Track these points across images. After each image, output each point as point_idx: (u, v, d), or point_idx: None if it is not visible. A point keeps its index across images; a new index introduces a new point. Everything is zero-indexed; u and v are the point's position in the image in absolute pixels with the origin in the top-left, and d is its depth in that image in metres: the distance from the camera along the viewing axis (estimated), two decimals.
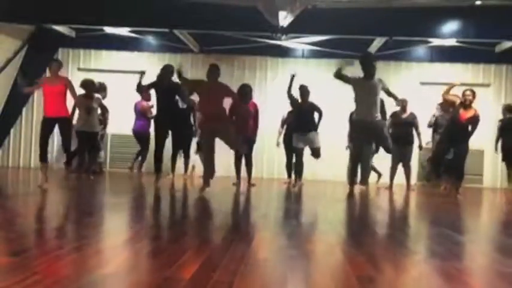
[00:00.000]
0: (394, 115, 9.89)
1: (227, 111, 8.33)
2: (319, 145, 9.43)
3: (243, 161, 9.59)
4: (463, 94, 8.79)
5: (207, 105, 7.68)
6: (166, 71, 8.79)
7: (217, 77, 7.87)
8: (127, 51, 12.60)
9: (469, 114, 8.72)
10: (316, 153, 9.48)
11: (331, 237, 4.90)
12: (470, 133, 8.85)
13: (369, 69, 7.70)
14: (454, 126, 8.74)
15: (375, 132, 7.77)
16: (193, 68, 12.49)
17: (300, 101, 9.56)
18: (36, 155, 12.23)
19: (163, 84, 8.72)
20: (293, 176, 10.05)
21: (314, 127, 9.43)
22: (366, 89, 7.65)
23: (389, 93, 7.97)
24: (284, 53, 12.45)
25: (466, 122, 8.76)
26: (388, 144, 7.84)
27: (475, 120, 8.75)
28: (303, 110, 9.44)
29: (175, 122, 8.80)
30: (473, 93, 8.77)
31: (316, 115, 9.56)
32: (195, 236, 4.57)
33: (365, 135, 7.88)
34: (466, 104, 8.70)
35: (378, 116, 7.77)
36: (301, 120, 9.40)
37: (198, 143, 10.05)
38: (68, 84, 7.74)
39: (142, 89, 8.93)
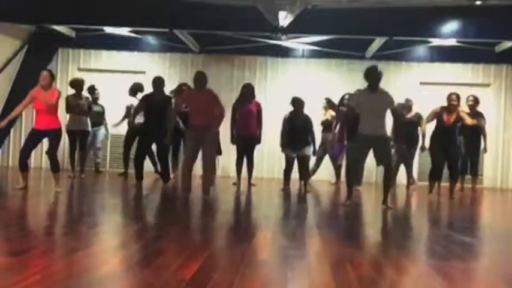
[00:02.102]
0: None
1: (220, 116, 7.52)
2: (309, 154, 9.09)
3: (244, 160, 9.58)
4: (448, 97, 8.82)
5: (195, 116, 7.32)
6: (158, 83, 8.66)
7: (205, 85, 7.42)
8: (127, 51, 12.57)
9: (453, 117, 8.75)
10: (304, 161, 9.05)
11: (331, 237, 4.90)
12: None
13: (372, 81, 7.07)
14: (442, 133, 8.72)
15: (377, 147, 7.07)
16: (193, 68, 12.45)
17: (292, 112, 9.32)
18: (36, 154, 12.26)
19: (156, 97, 8.60)
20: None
21: (307, 143, 9.00)
22: (368, 102, 7.02)
23: (395, 116, 7.36)
24: (284, 53, 12.43)
25: (452, 125, 8.76)
26: (389, 162, 7.17)
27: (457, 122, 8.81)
28: (296, 124, 8.97)
29: (163, 133, 8.32)
30: (458, 97, 8.85)
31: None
32: (195, 236, 4.57)
33: (366, 151, 7.21)
34: (449, 109, 8.75)
35: (384, 131, 7.08)
36: (294, 135, 8.92)
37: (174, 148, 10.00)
38: (59, 97, 7.38)
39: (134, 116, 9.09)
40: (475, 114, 9.92)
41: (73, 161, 9.77)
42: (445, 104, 8.89)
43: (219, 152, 10.14)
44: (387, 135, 7.16)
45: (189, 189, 7.37)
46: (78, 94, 9.71)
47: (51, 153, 7.44)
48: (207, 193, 7.26)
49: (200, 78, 7.44)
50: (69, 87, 10.47)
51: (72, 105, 9.69)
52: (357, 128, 7.09)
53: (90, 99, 10.09)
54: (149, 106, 8.61)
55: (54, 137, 7.38)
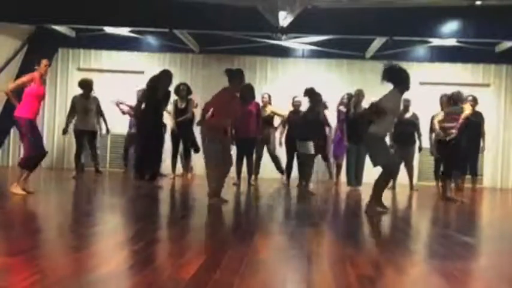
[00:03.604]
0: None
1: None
2: (312, 152, 8.86)
3: (244, 161, 9.58)
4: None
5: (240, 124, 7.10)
6: (165, 77, 8.44)
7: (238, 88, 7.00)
8: (127, 51, 12.57)
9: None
10: (310, 160, 8.85)
11: (331, 237, 4.91)
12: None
13: (407, 85, 6.71)
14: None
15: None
16: (194, 68, 12.48)
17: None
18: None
19: (158, 92, 8.36)
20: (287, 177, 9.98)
21: (317, 139, 8.80)
22: (398, 107, 6.95)
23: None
24: (284, 53, 12.43)
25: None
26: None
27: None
28: (309, 116, 8.84)
29: (161, 130, 8.53)
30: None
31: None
32: (196, 236, 4.56)
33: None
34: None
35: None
36: (305, 128, 8.77)
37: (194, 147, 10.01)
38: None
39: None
40: (474, 114, 9.92)
41: (78, 161, 9.69)
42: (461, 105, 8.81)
43: (197, 150, 10.14)
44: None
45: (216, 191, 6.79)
46: (86, 95, 9.67)
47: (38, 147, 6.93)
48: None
49: (240, 77, 6.96)
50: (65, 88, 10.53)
51: (78, 105, 9.65)
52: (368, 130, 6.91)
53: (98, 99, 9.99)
54: (150, 98, 8.41)
55: (21, 129, 6.99)
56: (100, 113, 9.89)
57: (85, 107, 9.57)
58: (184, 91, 9.98)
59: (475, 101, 9.79)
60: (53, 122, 12.50)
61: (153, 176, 8.51)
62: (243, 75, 7.07)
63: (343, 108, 9.98)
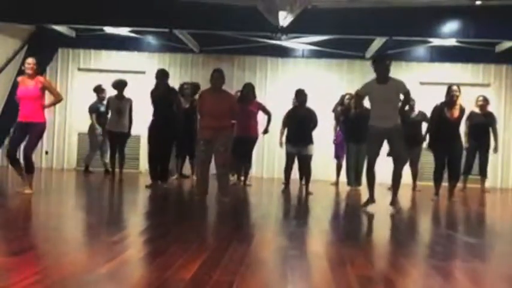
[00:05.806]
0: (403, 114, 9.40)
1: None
2: (311, 153, 8.82)
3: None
4: (449, 90, 8.30)
5: (208, 116, 7.03)
6: (159, 76, 8.48)
7: (222, 85, 7.11)
8: (127, 51, 12.57)
9: (457, 112, 8.27)
10: (306, 161, 8.76)
11: (331, 237, 4.91)
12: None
13: (381, 72, 6.75)
14: (446, 130, 8.24)
15: (390, 139, 6.84)
16: (193, 68, 12.48)
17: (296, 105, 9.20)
18: (36, 155, 12.27)
19: (159, 90, 8.43)
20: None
21: (310, 139, 8.73)
22: (379, 94, 6.75)
23: (405, 100, 6.96)
24: (284, 53, 12.43)
25: (456, 120, 8.31)
26: (399, 153, 6.87)
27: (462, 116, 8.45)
28: (299, 117, 8.77)
29: (173, 127, 8.47)
30: (459, 89, 8.34)
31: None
32: (195, 236, 4.56)
33: (379, 142, 6.86)
34: (451, 103, 8.22)
35: (396, 121, 6.80)
36: (297, 129, 8.71)
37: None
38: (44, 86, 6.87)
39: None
40: (485, 114, 9.90)
41: (114, 161, 9.63)
42: (444, 99, 8.37)
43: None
44: (399, 126, 6.81)
45: (205, 193, 7.06)
46: (120, 95, 9.65)
47: (26, 152, 6.88)
48: (224, 195, 6.96)
49: (217, 76, 7.05)
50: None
51: (112, 106, 9.65)
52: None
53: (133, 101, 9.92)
54: (154, 101, 8.44)
55: (34, 132, 6.82)
56: (129, 114, 9.74)
57: (118, 108, 9.51)
58: (188, 90, 9.94)
59: (485, 101, 9.77)
60: (53, 122, 12.49)
61: (164, 177, 8.48)
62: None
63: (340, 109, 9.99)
